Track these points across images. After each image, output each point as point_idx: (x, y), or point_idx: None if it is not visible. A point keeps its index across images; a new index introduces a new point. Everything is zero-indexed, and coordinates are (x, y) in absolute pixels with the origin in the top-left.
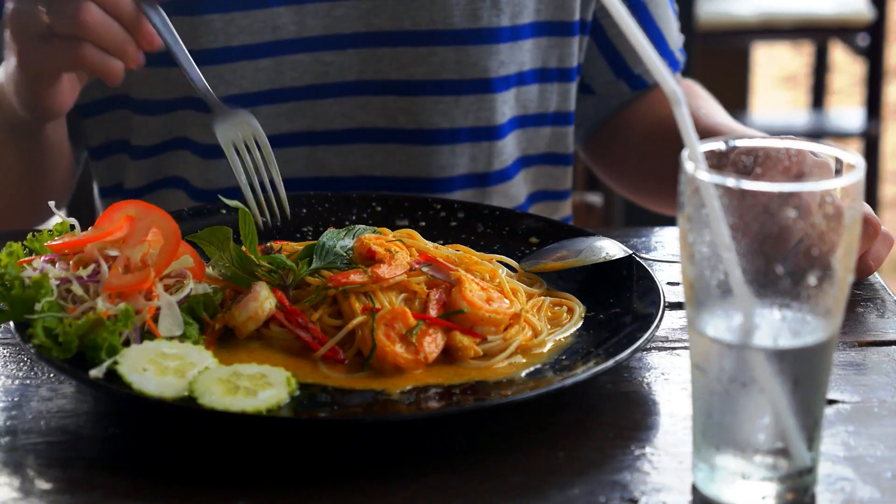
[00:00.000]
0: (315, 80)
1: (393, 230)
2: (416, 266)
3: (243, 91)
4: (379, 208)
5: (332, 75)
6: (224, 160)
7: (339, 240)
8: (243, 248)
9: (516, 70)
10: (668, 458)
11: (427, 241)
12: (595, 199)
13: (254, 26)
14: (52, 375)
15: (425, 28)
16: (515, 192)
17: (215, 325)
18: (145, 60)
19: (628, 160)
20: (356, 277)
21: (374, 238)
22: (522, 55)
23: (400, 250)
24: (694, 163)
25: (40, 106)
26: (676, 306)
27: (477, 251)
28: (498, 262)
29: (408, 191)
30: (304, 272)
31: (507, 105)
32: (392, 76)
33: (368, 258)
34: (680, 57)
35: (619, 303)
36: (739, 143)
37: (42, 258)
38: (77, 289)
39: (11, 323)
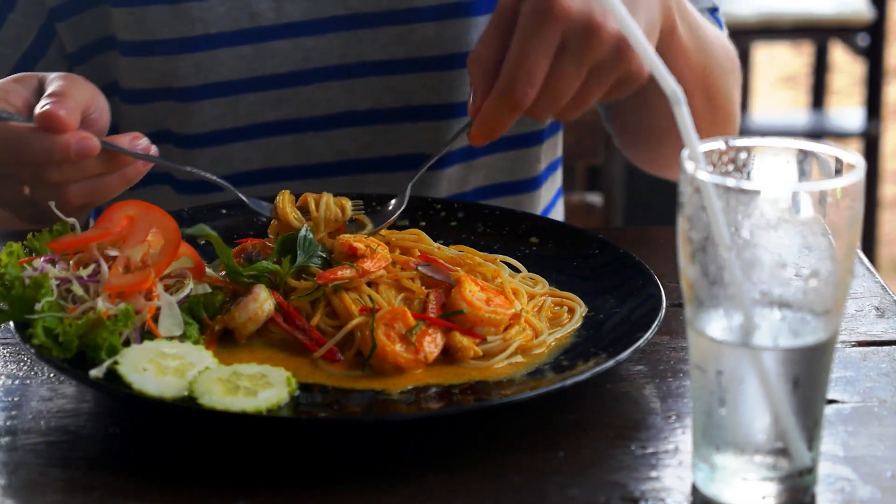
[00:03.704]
0: (297, 66)
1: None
2: (415, 266)
3: (224, 79)
4: (379, 208)
5: (313, 60)
6: (206, 150)
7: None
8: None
9: None
10: (668, 458)
11: (432, 241)
12: (595, 199)
13: (232, 13)
14: (52, 375)
15: (404, 7)
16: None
17: (215, 327)
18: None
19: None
20: (344, 273)
21: (353, 236)
22: None
23: (379, 245)
24: (694, 163)
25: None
26: (676, 306)
27: (477, 251)
28: (502, 262)
29: (399, 170)
30: (290, 270)
31: None
32: (374, 57)
33: (350, 255)
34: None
35: (619, 303)
36: (739, 142)
37: (42, 258)
38: (77, 289)
39: (11, 323)
